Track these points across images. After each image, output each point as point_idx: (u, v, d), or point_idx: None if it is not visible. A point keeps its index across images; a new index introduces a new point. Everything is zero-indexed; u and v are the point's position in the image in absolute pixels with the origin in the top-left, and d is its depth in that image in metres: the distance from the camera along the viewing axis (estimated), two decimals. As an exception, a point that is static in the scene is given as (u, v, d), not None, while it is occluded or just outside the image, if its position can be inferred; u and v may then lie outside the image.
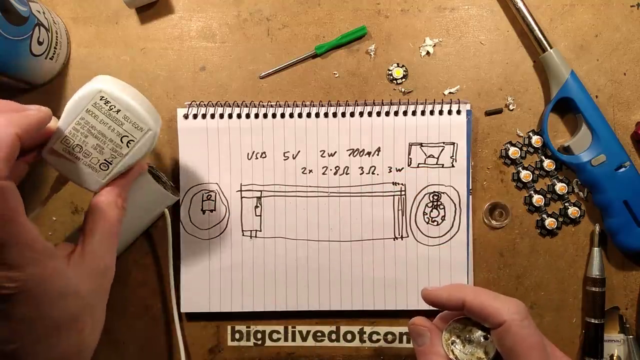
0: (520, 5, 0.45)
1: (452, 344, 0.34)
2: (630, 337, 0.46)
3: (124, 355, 0.47)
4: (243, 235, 0.46)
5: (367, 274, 0.46)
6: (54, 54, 0.45)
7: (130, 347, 0.47)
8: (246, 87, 0.47)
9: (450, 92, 0.47)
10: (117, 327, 0.47)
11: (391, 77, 0.47)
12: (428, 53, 0.47)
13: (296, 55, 0.47)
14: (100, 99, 0.35)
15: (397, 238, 0.46)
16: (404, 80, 0.47)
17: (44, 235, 0.47)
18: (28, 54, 0.42)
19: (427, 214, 0.46)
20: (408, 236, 0.46)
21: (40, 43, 0.43)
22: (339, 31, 0.47)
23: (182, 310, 0.46)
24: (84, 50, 0.47)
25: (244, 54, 0.47)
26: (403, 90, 0.47)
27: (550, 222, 0.46)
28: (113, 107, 0.35)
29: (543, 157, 0.46)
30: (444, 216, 0.46)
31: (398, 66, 0.47)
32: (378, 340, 0.47)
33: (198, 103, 0.46)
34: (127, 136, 0.36)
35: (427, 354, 0.34)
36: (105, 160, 0.36)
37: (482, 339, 0.33)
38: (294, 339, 0.47)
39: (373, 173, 0.46)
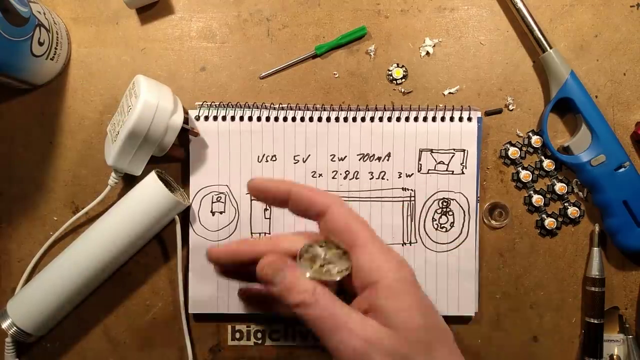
0: (520, 5, 0.45)
1: (325, 273, 0.30)
2: (630, 337, 0.46)
3: (124, 355, 0.47)
4: (252, 237, 0.46)
5: None
6: (54, 54, 0.45)
7: (130, 347, 0.47)
8: (246, 88, 0.47)
9: (450, 93, 0.47)
10: (117, 327, 0.47)
11: (391, 78, 0.47)
12: (428, 53, 0.47)
13: (296, 56, 0.47)
14: (133, 84, 0.42)
15: (405, 244, 0.46)
16: (403, 80, 0.47)
17: (45, 235, 0.47)
18: (29, 55, 0.42)
19: (436, 220, 0.46)
20: (417, 242, 0.46)
21: (40, 44, 0.43)
22: (338, 31, 0.47)
23: (190, 311, 0.46)
24: (84, 50, 0.48)
25: (244, 54, 0.47)
26: (403, 90, 0.47)
27: (550, 222, 0.46)
28: (132, 85, 0.42)
29: (543, 157, 0.46)
30: (453, 222, 0.46)
31: (398, 66, 0.47)
32: (378, 340, 0.47)
33: (209, 104, 0.46)
34: (130, 105, 0.40)
35: (294, 281, 0.29)
36: (118, 131, 0.41)
37: (319, 250, 0.31)
38: (294, 338, 0.47)
39: (383, 178, 0.46)
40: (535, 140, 0.46)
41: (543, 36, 0.45)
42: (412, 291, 0.29)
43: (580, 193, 0.46)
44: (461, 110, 0.45)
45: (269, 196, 0.33)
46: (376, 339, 0.27)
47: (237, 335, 0.47)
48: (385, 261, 0.29)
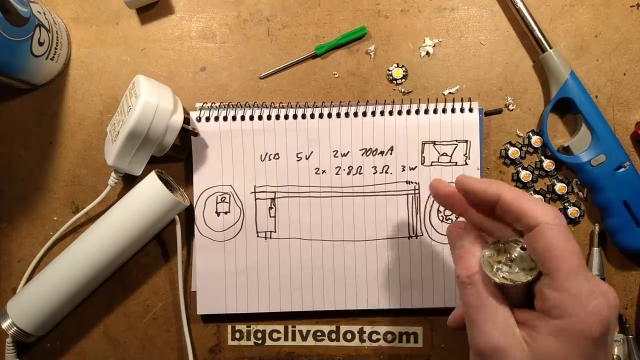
0: (520, 5, 0.45)
1: (496, 270, 0.29)
2: (630, 337, 0.46)
3: (124, 355, 0.47)
4: (258, 236, 0.46)
5: (383, 273, 0.46)
6: (54, 54, 0.45)
7: (130, 347, 0.47)
8: (246, 88, 0.47)
9: (450, 93, 0.47)
10: (117, 327, 0.47)
11: (391, 78, 0.47)
12: (428, 53, 0.47)
13: (296, 56, 0.47)
14: (133, 84, 0.42)
15: (411, 237, 0.46)
16: (403, 80, 0.47)
17: (45, 235, 0.47)
18: (29, 55, 0.42)
19: (441, 212, 0.46)
20: (422, 235, 0.46)
21: (40, 44, 0.43)
22: (338, 31, 0.47)
23: (198, 312, 0.46)
24: (84, 50, 0.48)
25: (244, 54, 0.47)
26: (403, 90, 0.47)
27: (550, 222, 0.46)
28: (132, 85, 0.42)
29: (543, 157, 0.46)
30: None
31: (398, 66, 0.47)
32: (378, 340, 0.47)
33: (210, 105, 0.46)
34: (130, 105, 0.40)
35: (464, 255, 0.30)
36: (118, 131, 0.41)
37: (522, 252, 0.29)
38: (294, 339, 0.47)
39: (386, 172, 0.46)
40: (535, 140, 0.46)
41: (543, 36, 0.45)
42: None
43: (580, 193, 0.46)
44: (462, 102, 0.45)
45: (476, 196, 0.32)
46: (504, 347, 0.27)
47: (237, 335, 0.47)
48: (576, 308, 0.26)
